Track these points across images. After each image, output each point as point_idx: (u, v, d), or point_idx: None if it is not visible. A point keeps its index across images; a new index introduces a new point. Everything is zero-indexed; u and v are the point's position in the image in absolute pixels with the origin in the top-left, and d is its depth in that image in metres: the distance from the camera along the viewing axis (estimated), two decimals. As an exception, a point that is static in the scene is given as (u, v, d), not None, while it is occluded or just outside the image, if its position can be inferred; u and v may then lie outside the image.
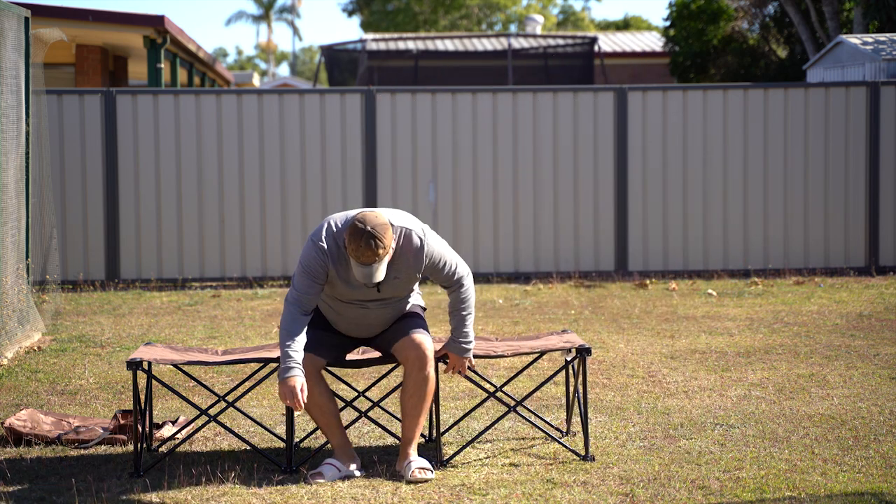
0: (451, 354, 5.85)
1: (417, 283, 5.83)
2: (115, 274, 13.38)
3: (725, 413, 6.92)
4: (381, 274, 5.45)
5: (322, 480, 5.59)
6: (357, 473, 5.70)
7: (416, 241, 5.60)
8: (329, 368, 6.11)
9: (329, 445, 6.01)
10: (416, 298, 5.93)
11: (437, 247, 5.67)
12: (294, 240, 13.57)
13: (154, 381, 5.99)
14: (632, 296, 12.25)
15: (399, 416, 6.34)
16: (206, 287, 13.27)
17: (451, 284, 5.78)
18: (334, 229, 5.58)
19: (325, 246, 5.55)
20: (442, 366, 5.95)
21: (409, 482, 5.59)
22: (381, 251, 5.40)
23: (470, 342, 5.83)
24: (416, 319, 5.81)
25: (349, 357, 6.14)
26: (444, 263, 5.70)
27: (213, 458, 6.07)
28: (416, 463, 5.69)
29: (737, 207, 13.88)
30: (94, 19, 17.10)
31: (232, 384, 7.80)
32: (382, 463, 5.94)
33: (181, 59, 21.44)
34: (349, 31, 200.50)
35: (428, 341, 5.73)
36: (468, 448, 6.16)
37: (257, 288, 13.17)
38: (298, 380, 5.51)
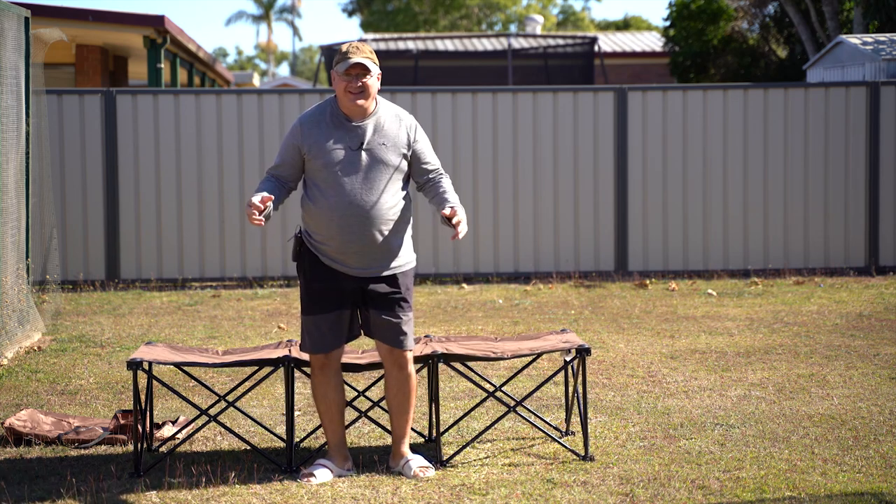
0: (452, 209, 5.62)
1: (405, 188, 5.71)
2: (115, 274, 13.38)
3: (725, 413, 6.93)
4: (372, 71, 5.60)
5: (315, 481, 5.59)
6: (351, 473, 5.71)
7: (405, 112, 5.81)
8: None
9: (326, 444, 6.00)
10: (409, 248, 5.73)
11: (424, 134, 5.81)
12: (294, 240, 13.56)
13: (154, 381, 6.00)
14: (632, 296, 12.25)
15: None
16: (206, 287, 13.27)
17: (432, 172, 5.77)
18: (313, 107, 5.78)
19: (301, 115, 5.72)
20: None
21: (410, 479, 5.61)
22: (372, 55, 5.66)
23: (461, 212, 5.66)
24: (400, 312, 5.65)
25: (350, 360, 6.15)
26: (428, 151, 5.78)
27: (213, 458, 6.07)
28: (417, 462, 5.70)
29: (737, 207, 13.88)
30: (94, 19, 17.10)
31: (232, 384, 7.80)
32: (382, 463, 5.94)
33: (181, 59, 21.44)
34: (349, 31, 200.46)
35: (409, 341, 5.68)
36: (468, 448, 6.16)
37: (257, 288, 13.17)
38: (255, 196, 5.55)
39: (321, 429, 6.48)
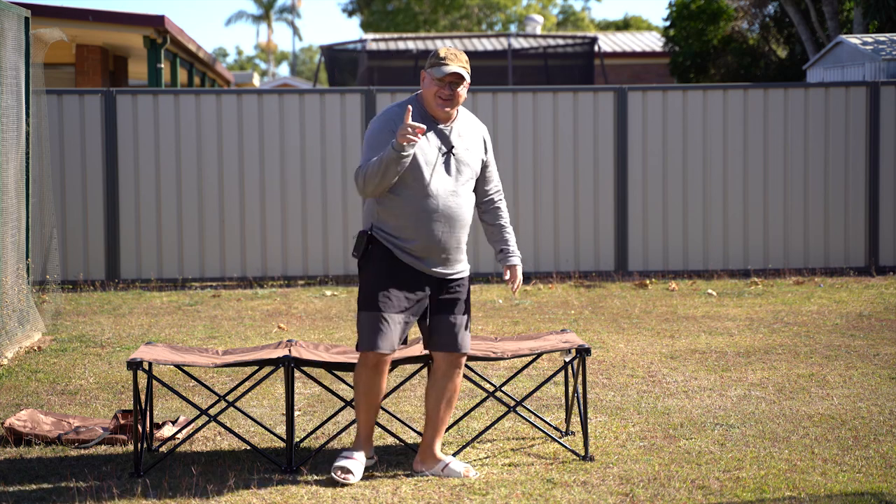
0: (513, 268, 5.92)
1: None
2: (115, 274, 13.38)
3: (725, 413, 6.93)
4: (465, 80, 5.65)
5: (353, 479, 5.57)
6: (374, 460, 5.83)
7: (479, 121, 5.91)
8: (329, 369, 6.11)
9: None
10: (465, 263, 5.88)
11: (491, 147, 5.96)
12: (294, 240, 13.57)
13: (154, 381, 5.99)
14: (632, 296, 12.25)
15: (399, 416, 6.34)
16: (206, 287, 13.27)
17: (494, 191, 5.93)
18: (397, 103, 5.79)
19: (388, 112, 5.68)
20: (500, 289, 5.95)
21: (465, 476, 5.66)
22: (467, 64, 5.71)
23: (518, 255, 5.98)
24: (463, 314, 5.77)
25: (350, 360, 6.15)
26: (493, 164, 5.92)
27: (213, 458, 6.07)
28: (458, 465, 5.72)
29: (737, 207, 13.88)
30: (94, 19, 17.10)
31: (232, 384, 7.80)
32: (382, 463, 5.94)
33: (181, 59, 21.44)
34: (349, 31, 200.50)
35: (468, 343, 5.78)
36: (468, 448, 6.16)
37: (257, 288, 13.17)
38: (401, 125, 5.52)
39: (321, 429, 6.50)
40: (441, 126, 5.70)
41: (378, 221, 5.68)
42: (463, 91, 5.69)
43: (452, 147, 5.68)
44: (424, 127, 5.51)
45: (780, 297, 11.98)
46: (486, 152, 5.84)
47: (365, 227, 5.74)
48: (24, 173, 9.84)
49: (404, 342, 5.76)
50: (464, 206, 5.72)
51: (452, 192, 5.67)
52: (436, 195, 5.63)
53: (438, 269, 5.70)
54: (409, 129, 5.44)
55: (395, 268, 5.65)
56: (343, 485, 5.54)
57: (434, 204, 5.63)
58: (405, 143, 5.46)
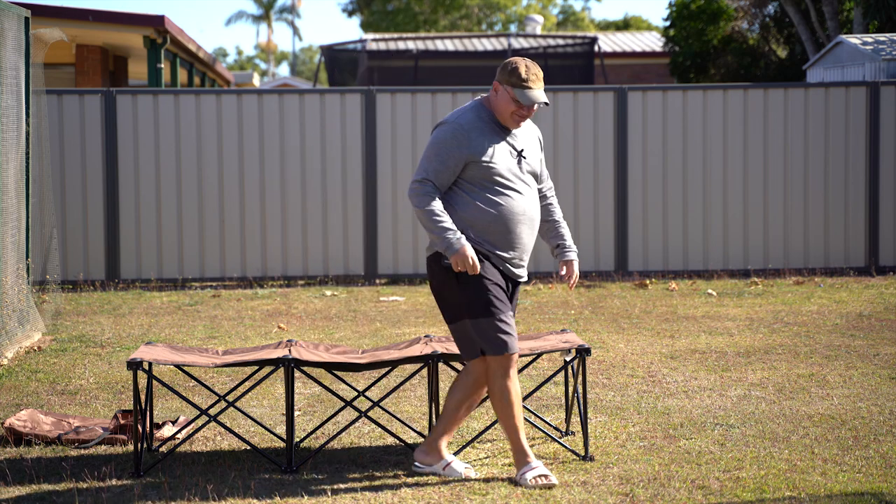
0: (569, 263, 5.93)
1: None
2: (115, 274, 13.38)
3: (725, 413, 6.92)
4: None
5: (554, 480, 5.50)
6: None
7: (532, 123, 5.90)
8: (329, 369, 6.11)
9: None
10: None
11: None
12: (294, 240, 13.57)
13: (154, 381, 5.99)
14: (632, 296, 12.25)
15: (399, 416, 6.32)
16: (206, 287, 13.27)
17: (547, 188, 5.93)
18: (462, 110, 5.71)
19: (458, 120, 5.60)
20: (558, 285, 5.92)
21: (529, 488, 5.49)
22: (542, 83, 5.65)
23: (575, 250, 5.98)
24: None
25: (350, 360, 6.15)
26: (544, 163, 5.92)
27: (213, 458, 6.07)
28: (536, 471, 5.56)
29: (737, 207, 13.88)
30: (94, 19, 17.10)
31: (232, 384, 7.80)
32: (382, 463, 5.94)
33: (181, 59, 21.44)
34: (349, 31, 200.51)
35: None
36: (468, 448, 6.16)
37: (257, 288, 13.17)
38: (468, 248, 5.49)
39: (321, 429, 6.49)
40: (514, 131, 5.72)
41: (468, 228, 5.64)
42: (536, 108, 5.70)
43: (522, 151, 5.70)
44: (479, 271, 5.50)
45: (780, 297, 11.98)
46: (540, 151, 5.86)
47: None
48: (24, 173, 9.84)
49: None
50: (538, 208, 5.77)
51: (530, 195, 5.69)
52: (519, 200, 5.65)
53: (520, 272, 5.76)
54: (465, 265, 5.47)
55: (492, 271, 5.67)
56: (551, 486, 5.45)
57: (519, 208, 5.64)
58: (450, 263, 5.50)
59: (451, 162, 5.55)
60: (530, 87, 5.56)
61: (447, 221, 5.52)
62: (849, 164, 13.91)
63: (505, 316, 5.62)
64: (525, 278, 5.83)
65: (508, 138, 5.66)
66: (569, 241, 5.96)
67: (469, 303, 5.57)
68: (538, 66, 5.68)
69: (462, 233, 5.58)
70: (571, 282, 5.96)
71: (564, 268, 5.95)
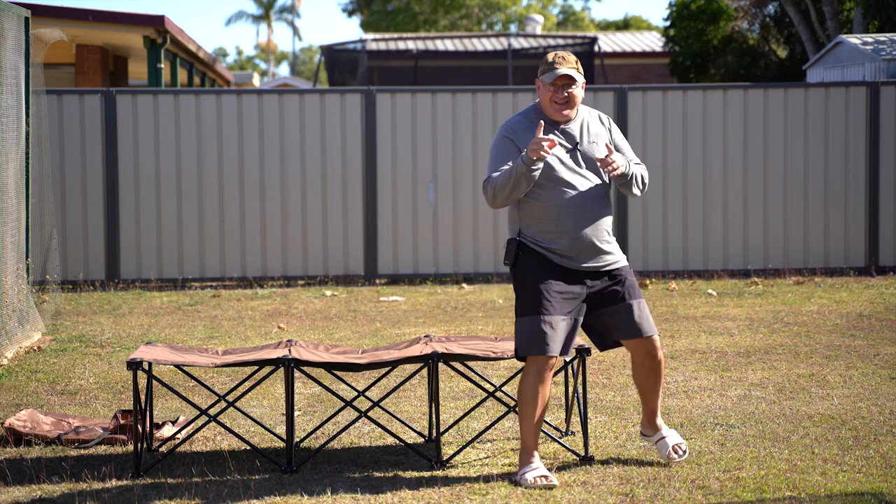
0: (612, 154, 5.73)
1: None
2: (115, 274, 13.38)
3: (725, 413, 6.92)
4: (578, 81, 5.66)
5: (556, 481, 5.53)
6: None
7: (599, 112, 5.94)
8: (329, 369, 6.11)
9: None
10: (618, 246, 5.84)
11: (618, 129, 5.96)
12: (294, 240, 13.57)
13: (154, 381, 5.99)
14: (632, 296, 12.24)
15: (399, 416, 6.31)
16: (206, 287, 13.27)
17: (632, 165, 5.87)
18: (515, 114, 5.86)
19: (508, 122, 5.77)
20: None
21: (668, 459, 5.82)
22: (577, 65, 5.70)
23: (630, 168, 5.77)
24: (635, 298, 5.76)
25: (350, 360, 6.15)
26: (624, 144, 5.90)
27: (213, 459, 6.07)
28: (673, 439, 5.90)
29: (737, 207, 13.88)
30: (94, 19, 17.10)
31: (232, 384, 7.80)
32: (382, 463, 5.94)
33: (181, 59, 21.44)
34: (349, 31, 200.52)
35: (652, 324, 5.80)
36: (468, 448, 6.16)
37: (257, 288, 13.17)
38: (530, 146, 5.50)
39: (320, 429, 6.49)
40: (562, 126, 5.75)
41: (523, 227, 5.71)
42: (578, 91, 5.71)
43: (577, 143, 5.72)
44: (556, 140, 5.53)
45: (780, 297, 11.98)
46: (612, 137, 5.86)
47: (512, 234, 5.77)
48: (24, 173, 9.84)
49: (565, 348, 5.69)
50: (600, 199, 5.74)
51: (586, 187, 5.69)
52: (572, 193, 5.66)
53: (589, 265, 5.71)
54: (541, 144, 5.47)
55: (549, 270, 5.67)
56: (551, 486, 5.46)
57: (572, 201, 5.66)
58: (535, 158, 5.49)
59: (506, 161, 5.67)
60: (556, 67, 5.66)
61: (505, 167, 5.62)
62: (849, 164, 13.91)
63: (549, 317, 5.62)
64: (607, 266, 5.72)
65: (562, 133, 5.72)
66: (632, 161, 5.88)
67: (520, 302, 5.70)
68: (570, 54, 5.75)
69: (522, 230, 5.69)
70: (609, 156, 5.69)
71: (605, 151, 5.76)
